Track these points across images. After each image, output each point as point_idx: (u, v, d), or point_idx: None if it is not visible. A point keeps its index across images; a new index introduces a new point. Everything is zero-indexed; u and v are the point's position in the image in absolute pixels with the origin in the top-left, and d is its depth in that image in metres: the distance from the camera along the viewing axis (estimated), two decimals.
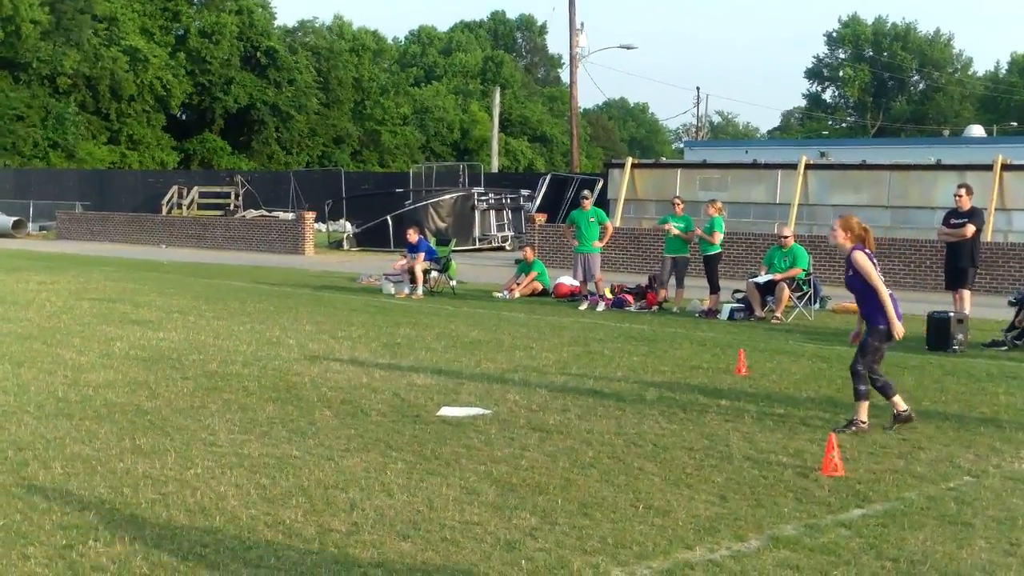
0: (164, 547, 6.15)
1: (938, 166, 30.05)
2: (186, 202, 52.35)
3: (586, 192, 21.39)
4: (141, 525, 6.54)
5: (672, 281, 19.88)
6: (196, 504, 6.97)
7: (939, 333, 14.94)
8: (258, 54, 79.29)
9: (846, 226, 9.56)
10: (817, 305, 19.28)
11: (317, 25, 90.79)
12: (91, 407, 9.93)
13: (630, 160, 35.71)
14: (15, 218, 47.05)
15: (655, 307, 19.72)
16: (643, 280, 21.88)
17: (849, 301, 20.61)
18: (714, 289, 19.27)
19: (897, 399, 9.57)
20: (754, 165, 33.81)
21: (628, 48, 59.05)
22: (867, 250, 9.53)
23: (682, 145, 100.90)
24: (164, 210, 50.69)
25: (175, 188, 53.05)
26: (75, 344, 13.83)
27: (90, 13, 69.14)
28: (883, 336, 9.41)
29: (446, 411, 9.94)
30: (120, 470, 7.77)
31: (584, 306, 19.74)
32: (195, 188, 53.60)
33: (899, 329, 9.33)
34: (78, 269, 27.22)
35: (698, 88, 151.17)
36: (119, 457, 8.13)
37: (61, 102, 68.34)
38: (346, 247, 38.96)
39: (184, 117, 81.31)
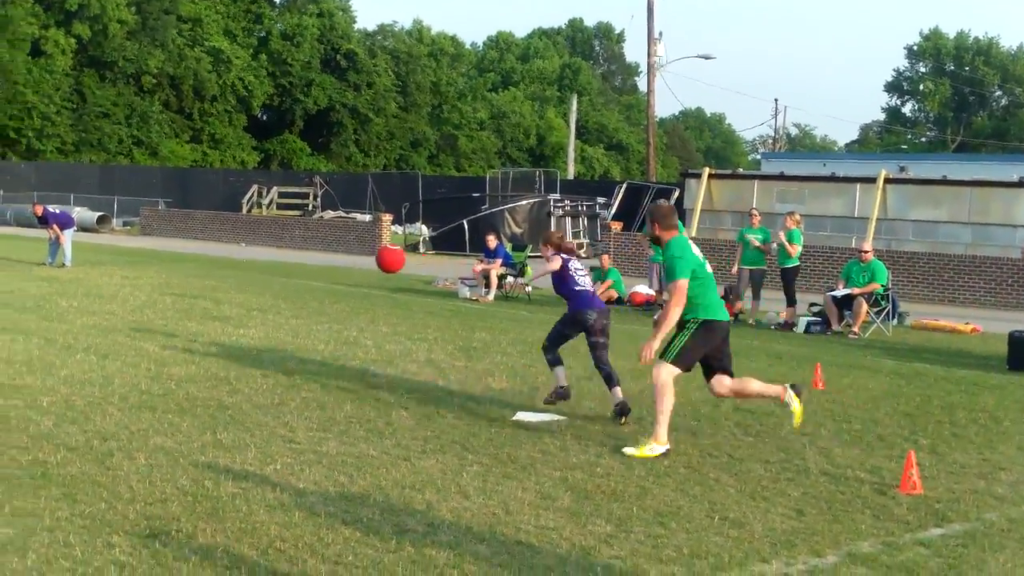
0: (244, 541, 6.24)
1: (1020, 183, 29.56)
2: (266, 201, 52.95)
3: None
4: (222, 518, 6.64)
5: (748, 293, 19.77)
6: (276, 499, 7.06)
7: (1020, 353, 14.69)
8: (338, 57, 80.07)
9: (545, 241, 10.88)
10: (895, 321, 19.07)
11: (397, 29, 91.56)
12: (173, 400, 10.11)
13: (707, 170, 35.57)
14: (100, 213, 48.02)
15: (731, 318, 19.59)
16: (719, 291, 21.76)
17: (928, 318, 20.38)
18: (791, 302, 19.14)
19: (617, 390, 10.14)
20: (832, 178, 33.51)
21: (706, 58, 58.53)
22: (562, 254, 10.62)
23: (758, 156, 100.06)
24: (244, 209, 51.31)
25: (255, 187, 53.67)
26: (158, 338, 14.08)
27: (175, 14, 70.36)
28: (567, 321, 10.49)
29: (522, 416, 9.99)
30: (202, 463, 7.90)
31: (660, 315, 19.67)
32: (275, 188, 54.21)
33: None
34: (160, 265, 27.69)
35: (776, 100, 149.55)
36: (201, 450, 8.27)
37: (146, 100, 69.62)
38: (422, 250, 39.19)
39: (265, 118, 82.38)
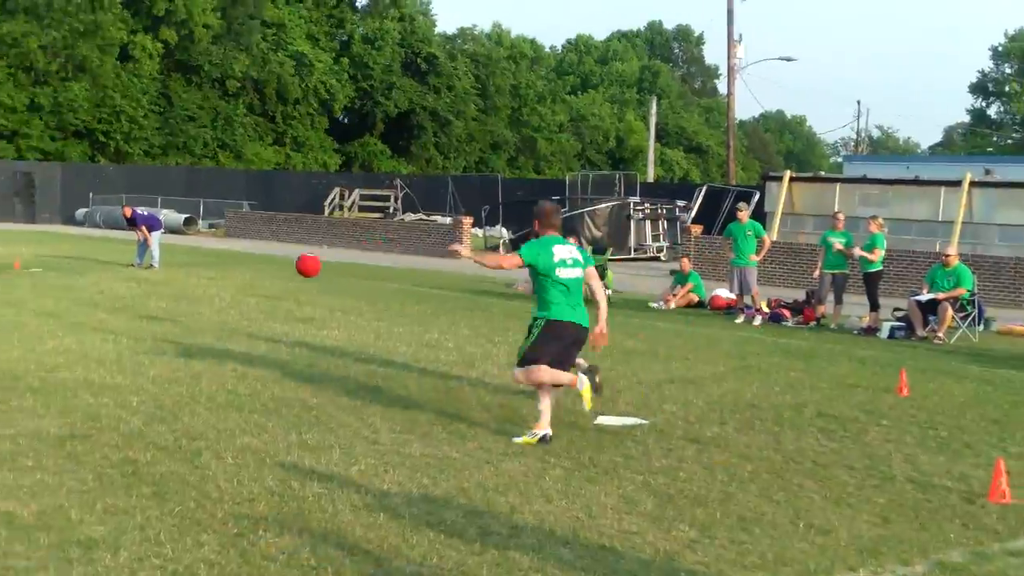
0: (330, 541, 6.32)
1: None
2: (347, 204, 53.38)
3: (741, 204, 21.14)
4: (308, 518, 6.73)
5: (830, 297, 19.56)
6: (360, 500, 7.14)
7: None
8: (419, 60, 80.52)
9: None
10: (981, 326, 18.75)
11: (476, 32, 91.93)
12: (259, 401, 10.26)
13: (788, 173, 35.22)
14: (186, 215, 48.81)
15: (813, 323, 19.43)
16: (800, 295, 21.57)
17: (1015, 324, 20.00)
18: (874, 306, 18.89)
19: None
20: (916, 181, 32.98)
21: (787, 60, 58.37)
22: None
23: (840, 159, 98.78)
24: (326, 211, 51.79)
25: (337, 190, 54.11)
26: (243, 339, 14.28)
27: (259, 19, 71.20)
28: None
29: (603, 420, 9.99)
30: (288, 463, 8.01)
31: (740, 319, 19.56)
32: (356, 190, 54.62)
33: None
34: (245, 266, 28.07)
35: (859, 102, 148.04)
36: (287, 451, 8.38)
37: (230, 104, 70.52)
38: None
39: (346, 121, 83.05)
